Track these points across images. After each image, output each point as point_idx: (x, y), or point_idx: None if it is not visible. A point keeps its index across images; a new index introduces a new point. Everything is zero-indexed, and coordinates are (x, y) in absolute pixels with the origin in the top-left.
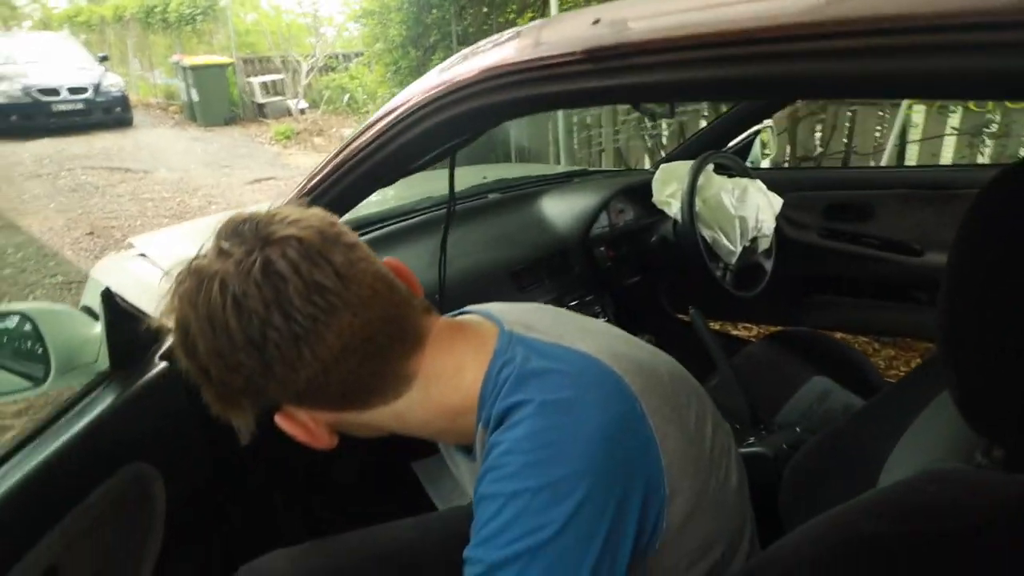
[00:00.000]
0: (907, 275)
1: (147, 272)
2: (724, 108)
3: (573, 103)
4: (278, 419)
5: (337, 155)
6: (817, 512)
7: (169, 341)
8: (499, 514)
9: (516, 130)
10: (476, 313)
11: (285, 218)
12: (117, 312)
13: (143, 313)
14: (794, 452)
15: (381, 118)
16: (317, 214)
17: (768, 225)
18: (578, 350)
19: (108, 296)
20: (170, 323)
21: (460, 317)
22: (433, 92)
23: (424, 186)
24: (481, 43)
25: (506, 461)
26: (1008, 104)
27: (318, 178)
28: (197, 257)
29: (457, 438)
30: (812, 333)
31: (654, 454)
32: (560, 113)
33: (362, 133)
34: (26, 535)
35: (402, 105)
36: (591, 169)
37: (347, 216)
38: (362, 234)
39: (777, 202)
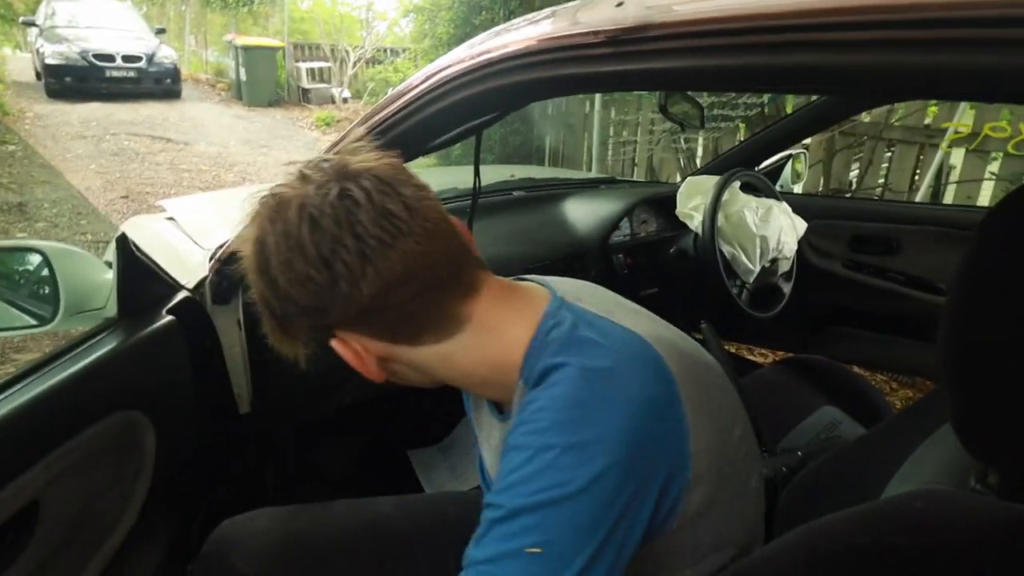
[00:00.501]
0: (930, 314)
1: (173, 234)
2: (758, 129)
3: (593, 87)
4: (334, 343)
5: (365, 121)
6: None
7: (180, 297)
8: (526, 464)
9: (552, 135)
10: (531, 280)
11: (363, 159)
12: (130, 260)
13: (160, 268)
14: (793, 476)
15: (408, 89)
16: (390, 159)
17: (789, 248)
18: (625, 327)
19: (123, 242)
20: (244, 247)
21: (515, 281)
22: (461, 66)
23: (450, 177)
24: (515, 20)
25: (540, 416)
26: None
27: (343, 144)
28: (279, 184)
29: (495, 391)
30: (827, 362)
31: (683, 439)
32: (596, 122)
33: (390, 103)
34: (9, 465)
35: (430, 77)
36: (619, 179)
37: None
38: None
39: (801, 226)
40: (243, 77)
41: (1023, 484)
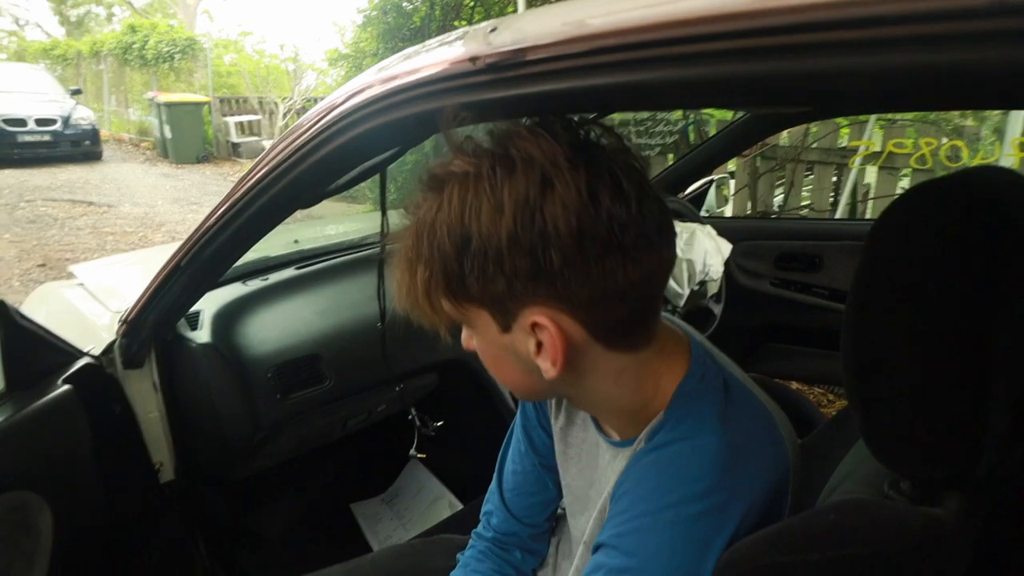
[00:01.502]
0: None
1: (82, 300)
2: (673, 158)
3: (478, 116)
4: (522, 325)
5: (258, 169)
6: None
7: (79, 365)
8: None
9: None
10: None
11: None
12: (13, 329)
13: (52, 336)
14: None
15: (302, 130)
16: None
17: (716, 269)
18: (762, 402)
19: (2, 310)
20: (414, 212)
21: None
22: (354, 102)
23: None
24: (392, 59)
25: (686, 473)
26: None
27: (239, 194)
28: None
29: (622, 420)
30: (763, 379)
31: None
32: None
33: (281, 147)
34: None
35: (322, 117)
36: None
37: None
38: (306, 265)
39: (726, 247)
40: (168, 135)
41: (932, 488)
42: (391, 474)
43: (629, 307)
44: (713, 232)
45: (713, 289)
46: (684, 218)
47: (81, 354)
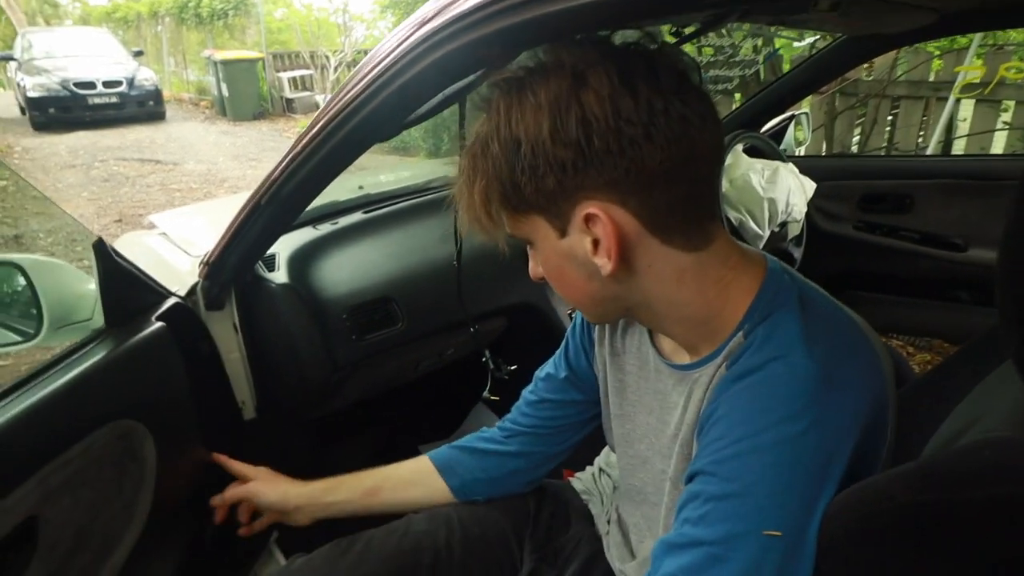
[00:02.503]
0: (949, 272)
1: (163, 247)
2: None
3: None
4: (577, 224)
5: (335, 102)
6: None
7: (170, 304)
8: (760, 435)
9: None
10: None
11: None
12: (111, 266)
13: (145, 275)
14: None
15: (375, 63)
16: None
17: (799, 210)
18: (849, 315)
19: (100, 248)
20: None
21: None
22: (440, 20)
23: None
24: None
25: (777, 388)
26: None
27: (315, 129)
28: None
29: (688, 334)
30: None
31: (883, 439)
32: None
33: (356, 80)
34: (2, 482)
35: (403, 42)
36: None
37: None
38: (373, 209)
39: (810, 186)
40: (225, 93)
41: None
42: (459, 417)
43: (677, 193)
44: (795, 170)
45: (795, 231)
46: (765, 155)
47: (170, 294)
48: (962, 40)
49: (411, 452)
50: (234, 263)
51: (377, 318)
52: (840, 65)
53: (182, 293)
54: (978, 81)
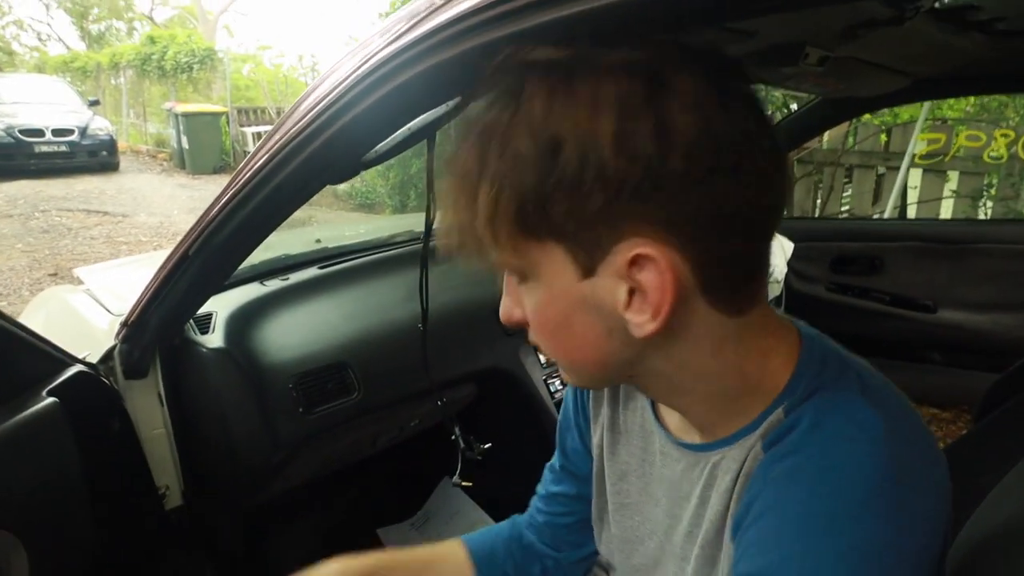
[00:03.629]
0: (920, 333)
1: (84, 305)
2: None
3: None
4: (628, 257)
5: (277, 136)
6: None
7: (69, 374)
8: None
9: None
10: None
11: None
12: None
13: (43, 341)
14: None
15: (327, 91)
16: None
17: (780, 269)
18: (898, 392)
19: None
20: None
21: None
22: (399, 43)
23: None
24: None
25: (841, 475)
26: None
27: (254, 168)
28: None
29: (707, 412)
30: None
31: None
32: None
33: (303, 110)
34: None
35: (362, 65)
36: None
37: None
38: (329, 265)
39: (788, 246)
40: (185, 145)
41: None
42: (422, 496)
43: (743, 246)
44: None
45: (775, 291)
46: None
47: (73, 361)
48: (904, 115)
49: (366, 537)
50: (157, 324)
51: (329, 387)
52: (815, 125)
53: (95, 358)
54: (928, 152)
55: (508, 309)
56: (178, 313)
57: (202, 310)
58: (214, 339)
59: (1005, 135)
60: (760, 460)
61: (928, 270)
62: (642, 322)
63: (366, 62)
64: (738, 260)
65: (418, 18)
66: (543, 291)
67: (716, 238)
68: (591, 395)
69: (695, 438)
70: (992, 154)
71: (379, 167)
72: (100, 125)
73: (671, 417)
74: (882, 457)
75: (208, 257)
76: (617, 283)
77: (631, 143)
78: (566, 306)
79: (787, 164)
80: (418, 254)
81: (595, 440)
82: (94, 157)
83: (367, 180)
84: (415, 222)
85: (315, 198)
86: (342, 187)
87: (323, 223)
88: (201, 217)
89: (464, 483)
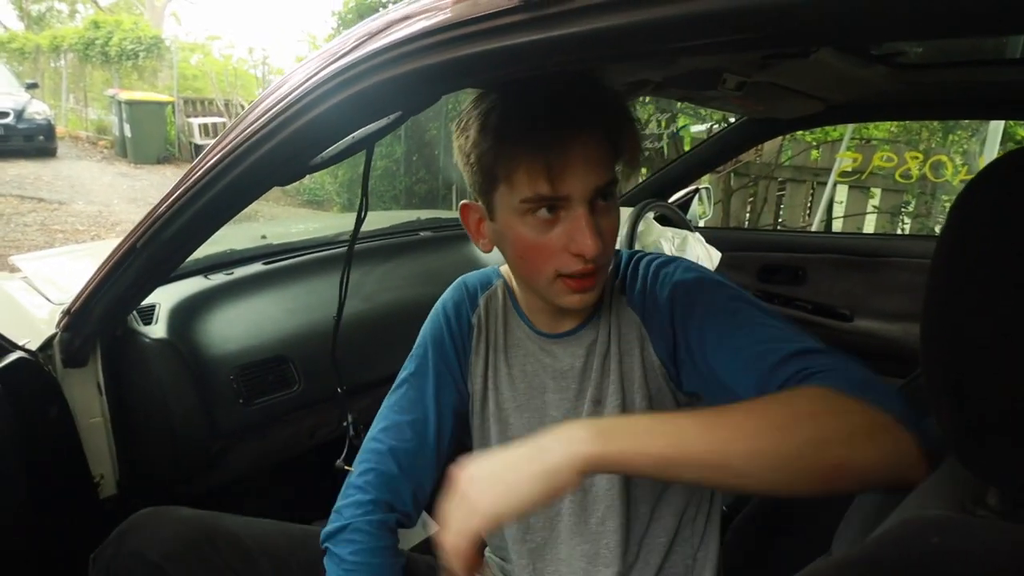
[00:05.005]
0: (837, 341)
1: (22, 293)
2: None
3: (508, 65)
4: None
5: (232, 136)
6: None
7: (9, 359)
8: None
9: (460, 184)
10: None
11: None
12: None
13: None
14: (735, 514)
15: (283, 96)
16: None
17: None
18: None
19: None
20: None
21: None
22: (344, 61)
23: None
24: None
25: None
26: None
27: (207, 166)
28: None
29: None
30: None
31: None
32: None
33: (258, 113)
34: None
35: (310, 78)
36: None
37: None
38: (274, 261)
39: (716, 255)
40: (128, 133)
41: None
42: None
43: None
44: (703, 239)
45: None
46: (675, 224)
47: (13, 348)
48: (834, 134)
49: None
50: (101, 314)
51: (270, 380)
52: (740, 143)
53: (34, 345)
54: (851, 169)
55: (602, 240)
56: (122, 304)
57: (145, 301)
58: (157, 330)
59: (915, 157)
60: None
61: (847, 281)
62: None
63: (324, 68)
64: None
65: (373, 33)
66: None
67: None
68: (471, 333)
69: (565, 328)
70: (902, 174)
71: None
72: (37, 109)
73: (542, 322)
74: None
75: (156, 250)
76: None
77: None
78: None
79: None
80: (362, 254)
81: (478, 365)
82: (30, 142)
83: (316, 177)
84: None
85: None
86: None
87: (270, 219)
88: (151, 211)
89: (347, 468)
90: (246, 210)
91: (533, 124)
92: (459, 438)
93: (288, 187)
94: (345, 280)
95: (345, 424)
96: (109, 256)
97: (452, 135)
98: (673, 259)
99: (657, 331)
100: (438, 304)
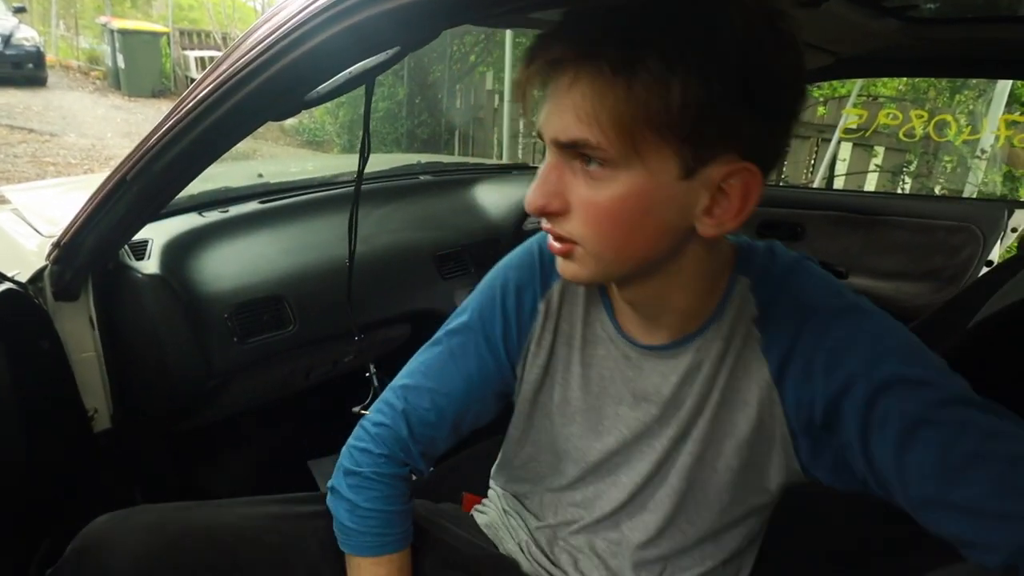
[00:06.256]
0: None
1: (12, 224)
2: None
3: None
4: (725, 171)
5: (224, 67)
6: None
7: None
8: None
9: (461, 129)
10: None
11: None
12: None
13: None
14: None
15: (278, 25)
16: None
17: None
18: None
19: None
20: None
21: None
22: None
23: (350, 161)
24: None
25: (836, 303)
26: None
27: (199, 96)
28: None
29: (692, 303)
30: None
31: None
32: (506, 115)
33: (251, 43)
34: None
35: (309, 5)
36: (532, 164)
37: (254, 176)
38: (271, 200)
39: None
40: (121, 64)
41: None
42: (350, 427)
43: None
44: None
45: None
46: None
47: (2, 279)
48: (842, 90)
49: (298, 469)
50: (91, 247)
51: (265, 319)
52: None
53: (24, 277)
54: (856, 126)
55: (546, 197)
56: (113, 238)
57: (138, 236)
58: (149, 265)
59: (919, 115)
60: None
61: (844, 238)
62: (715, 223)
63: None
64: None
65: None
66: (637, 182)
67: (772, 163)
68: (534, 319)
69: (658, 340)
70: (906, 133)
71: (328, 104)
72: (26, 35)
73: (631, 325)
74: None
75: (146, 184)
76: (705, 188)
77: (794, 81)
78: (652, 200)
79: None
80: (360, 195)
81: (536, 354)
82: (18, 69)
83: (316, 117)
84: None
85: (261, 132)
86: (290, 122)
87: (270, 158)
88: (141, 143)
89: (364, 411)
90: (243, 149)
91: (548, 34)
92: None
93: (287, 127)
94: (354, 221)
95: (368, 375)
96: (99, 188)
97: (457, 80)
98: (863, 309)
99: (799, 403)
100: (498, 275)
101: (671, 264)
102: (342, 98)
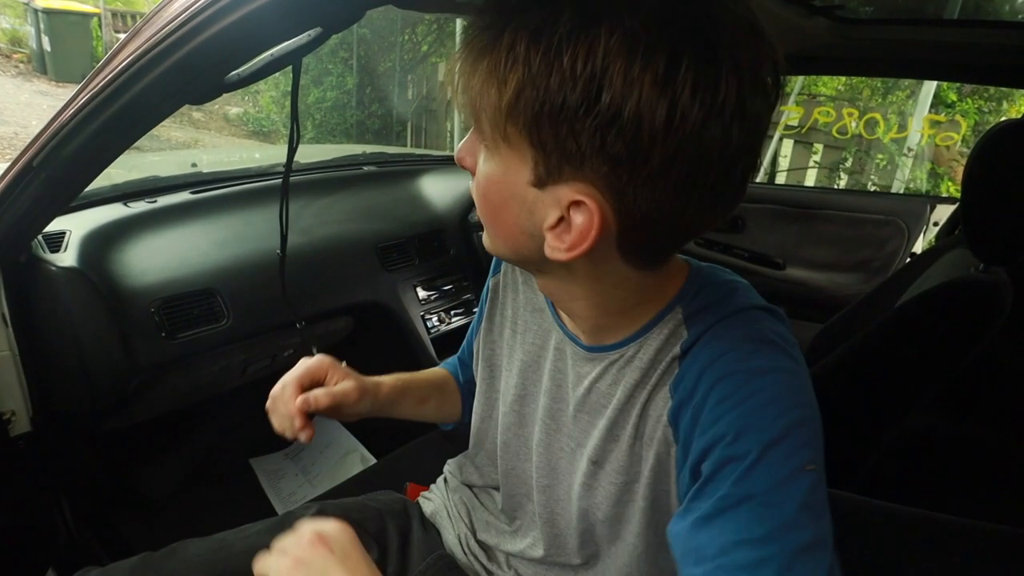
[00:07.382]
0: (771, 288)
1: None
2: None
3: None
4: (571, 197)
5: (139, 43)
6: None
7: None
8: (766, 387)
9: (414, 120)
10: None
11: None
12: None
13: None
14: None
15: (181, 7)
16: None
17: None
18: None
19: None
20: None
21: None
22: None
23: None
24: None
25: (742, 343)
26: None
27: (112, 74)
28: None
29: (608, 321)
30: None
31: None
32: (456, 110)
33: (166, 17)
34: None
35: None
36: None
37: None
38: (203, 190)
39: None
40: (47, 47)
41: None
42: None
43: (676, 239)
44: None
45: None
46: None
47: None
48: (787, 89)
49: (239, 468)
50: None
51: (196, 313)
52: None
53: None
54: (795, 123)
55: (462, 151)
56: (21, 229)
57: (54, 228)
58: (66, 258)
59: (850, 113)
60: (691, 352)
61: (781, 231)
62: (557, 247)
63: None
64: (665, 243)
65: None
66: (497, 170)
67: (653, 227)
68: (489, 297)
69: (582, 338)
70: (839, 130)
71: (275, 94)
72: None
73: (566, 320)
74: (785, 351)
75: (55, 170)
76: (553, 206)
77: (649, 118)
78: (508, 194)
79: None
80: (301, 186)
81: (484, 335)
82: None
83: (262, 107)
84: (307, 152)
85: (204, 122)
86: (234, 112)
87: (211, 149)
88: (47, 125)
89: None
90: (182, 138)
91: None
92: None
93: (232, 117)
94: (285, 209)
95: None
96: (3, 173)
97: (409, 70)
98: (775, 353)
99: (685, 444)
100: None
101: (560, 268)
102: (288, 87)
